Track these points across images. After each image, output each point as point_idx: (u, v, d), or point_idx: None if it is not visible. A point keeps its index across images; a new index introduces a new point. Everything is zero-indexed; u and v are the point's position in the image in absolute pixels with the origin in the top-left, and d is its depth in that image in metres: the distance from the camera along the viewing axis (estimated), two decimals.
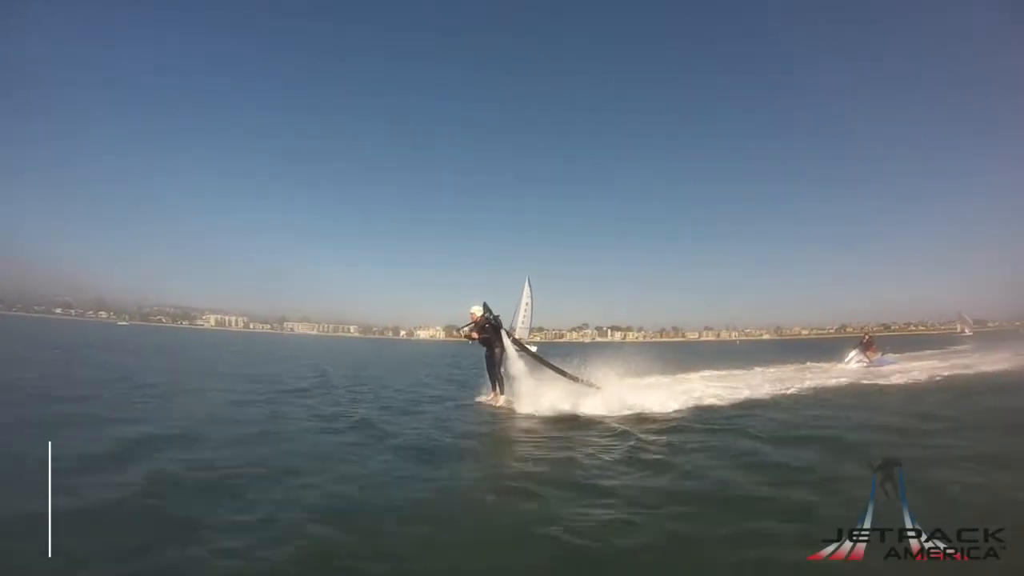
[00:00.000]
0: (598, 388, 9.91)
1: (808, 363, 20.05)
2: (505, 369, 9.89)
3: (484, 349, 10.12)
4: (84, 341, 35.56)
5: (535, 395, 9.58)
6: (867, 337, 20.18)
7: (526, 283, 9.52)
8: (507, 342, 9.93)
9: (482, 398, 10.31)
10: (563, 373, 10.22)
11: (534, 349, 10.56)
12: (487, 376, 10.22)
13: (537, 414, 8.84)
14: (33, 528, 3.45)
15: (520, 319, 9.38)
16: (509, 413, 9.16)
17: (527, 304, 9.39)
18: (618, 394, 9.39)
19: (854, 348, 19.61)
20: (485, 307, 10.07)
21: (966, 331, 56.92)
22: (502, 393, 9.89)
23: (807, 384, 13.04)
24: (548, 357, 10.74)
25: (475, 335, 10.05)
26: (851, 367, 18.18)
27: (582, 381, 10.09)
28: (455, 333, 10.86)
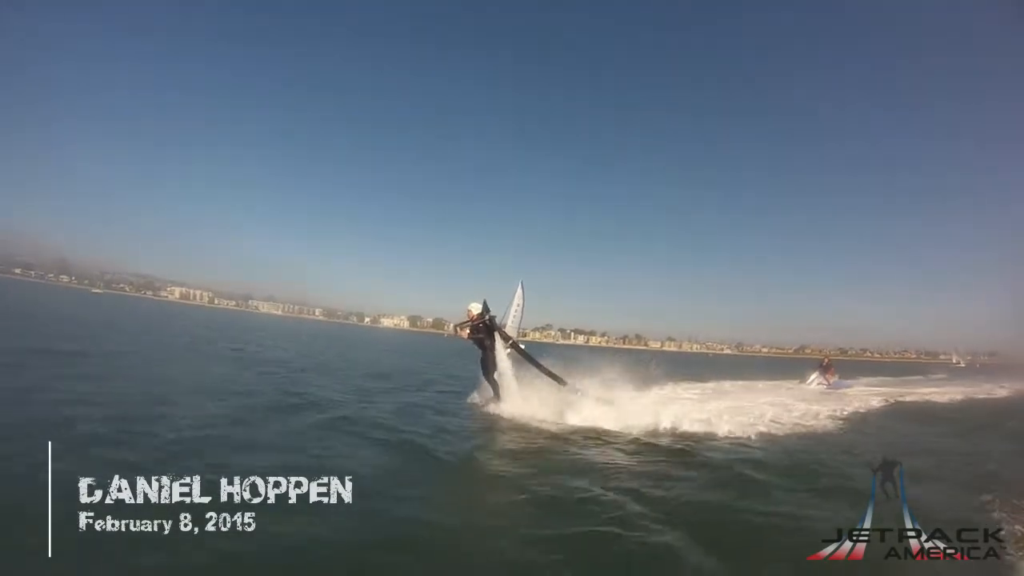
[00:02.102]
0: (587, 395, 9.67)
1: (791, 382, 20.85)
2: (496, 372, 9.52)
3: (480, 352, 9.68)
4: (151, 318, 33.28)
5: (519, 398, 9.34)
6: (826, 360, 21.25)
7: (519, 287, 9.36)
8: (498, 344, 9.55)
9: (475, 399, 9.89)
10: (553, 376, 9.99)
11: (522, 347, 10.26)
12: (483, 378, 9.77)
13: (520, 419, 8.59)
14: None
15: (510, 320, 9.26)
16: (490, 419, 8.84)
17: (519, 306, 9.26)
18: (628, 407, 9.20)
19: (815, 370, 20.46)
20: (485, 306, 9.66)
21: (961, 363, 61.18)
22: (498, 398, 9.46)
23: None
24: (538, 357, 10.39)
25: (466, 333, 9.64)
26: (812, 388, 18.97)
27: (574, 389, 9.83)
28: (455, 330, 10.17)
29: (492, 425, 8.51)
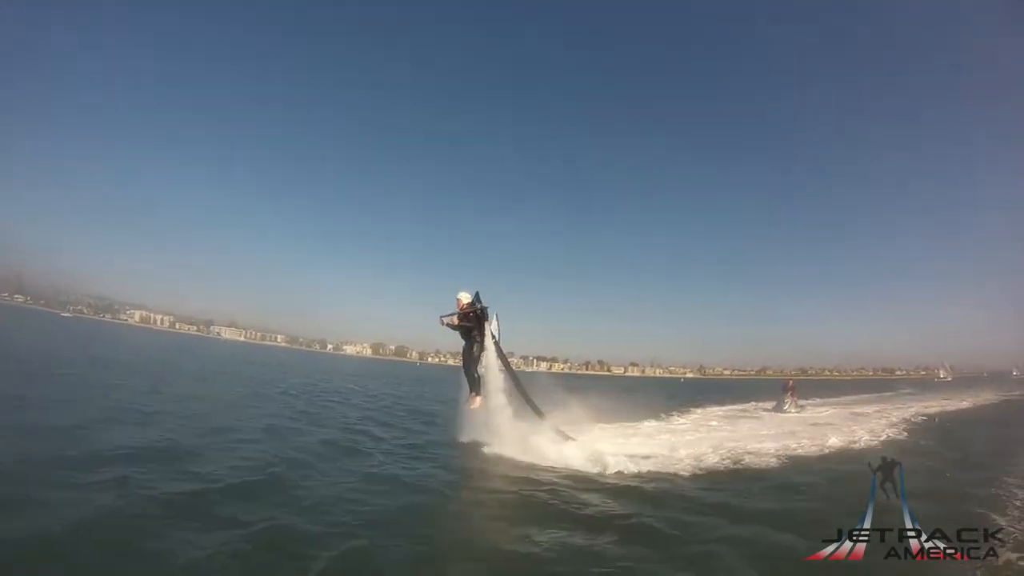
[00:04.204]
0: (572, 439, 9.50)
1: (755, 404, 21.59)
2: (482, 368, 9.24)
3: (464, 344, 9.42)
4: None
5: (507, 410, 9.08)
6: (790, 383, 21.27)
7: (495, 318, 9.08)
8: (488, 340, 9.28)
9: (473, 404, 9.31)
10: (531, 402, 9.82)
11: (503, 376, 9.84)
12: (465, 376, 9.43)
13: (514, 458, 8.23)
14: None
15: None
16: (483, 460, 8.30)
17: (494, 338, 9.24)
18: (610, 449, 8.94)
19: (784, 392, 20.40)
20: (476, 296, 9.36)
21: (949, 378, 64.37)
22: (478, 394, 9.11)
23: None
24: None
25: (455, 321, 9.28)
26: (792, 414, 18.84)
27: (559, 431, 9.64)
28: (442, 321, 9.43)
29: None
